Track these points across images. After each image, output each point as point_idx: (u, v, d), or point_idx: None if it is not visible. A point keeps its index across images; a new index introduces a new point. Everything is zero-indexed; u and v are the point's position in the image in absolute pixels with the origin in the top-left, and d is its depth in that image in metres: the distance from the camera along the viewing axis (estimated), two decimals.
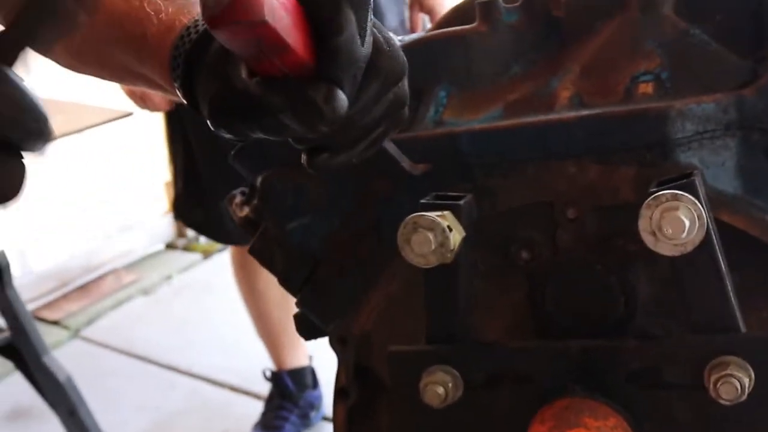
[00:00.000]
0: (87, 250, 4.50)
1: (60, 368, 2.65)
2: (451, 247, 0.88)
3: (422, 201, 0.92)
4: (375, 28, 0.75)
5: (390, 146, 0.95)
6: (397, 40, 0.82)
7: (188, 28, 0.82)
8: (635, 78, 0.98)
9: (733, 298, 0.85)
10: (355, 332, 1.10)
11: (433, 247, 0.88)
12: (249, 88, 0.72)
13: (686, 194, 0.80)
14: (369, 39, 0.73)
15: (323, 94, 0.70)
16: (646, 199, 0.81)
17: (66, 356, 3.65)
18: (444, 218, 0.89)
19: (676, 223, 0.79)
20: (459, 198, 0.93)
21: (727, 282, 0.84)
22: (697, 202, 0.80)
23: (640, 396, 0.88)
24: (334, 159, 0.81)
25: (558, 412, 0.87)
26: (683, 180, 0.83)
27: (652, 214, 0.81)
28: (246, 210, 1.19)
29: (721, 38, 0.96)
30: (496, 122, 1.01)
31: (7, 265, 2.54)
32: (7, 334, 2.64)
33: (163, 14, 0.84)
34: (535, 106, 1.02)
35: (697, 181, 0.83)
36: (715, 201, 0.92)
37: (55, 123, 0.63)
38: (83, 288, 4.38)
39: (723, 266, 0.84)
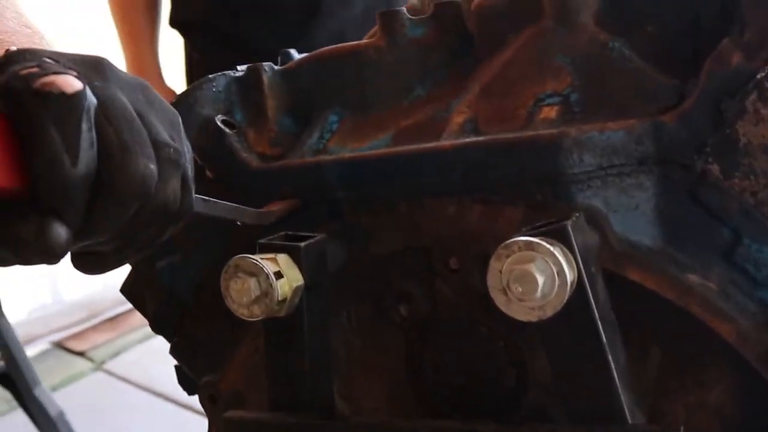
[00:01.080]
0: (119, 282, 4.43)
1: (52, 402, 2.56)
2: (279, 298, 0.72)
3: (260, 241, 0.76)
4: (112, 127, 0.60)
5: (221, 208, 0.79)
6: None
7: None
8: (540, 100, 0.80)
9: (618, 378, 0.66)
10: (224, 390, 0.94)
11: (253, 296, 0.71)
12: None
13: (544, 243, 0.62)
14: (88, 153, 0.58)
15: (34, 228, 0.57)
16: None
17: (86, 388, 3.60)
18: (273, 263, 0.73)
19: (528, 279, 0.61)
20: (305, 239, 0.76)
21: (610, 356, 0.65)
22: (559, 253, 0.62)
23: None
24: (103, 263, 0.68)
25: None
26: (551, 225, 0.65)
27: (501, 267, 0.63)
28: None
29: (647, 53, 0.78)
30: (373, 151, 0.84)
31: None
32: (1, 363, 2.56)
33: None
34: (425, 133, 0.85)
35: (572, 225, 0.64)
36: (621, 254, 0.73)
37: None
38: (112, 320, 4.32)
39: (603, 336, 0.65)
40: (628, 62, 0.78)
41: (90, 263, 0.68)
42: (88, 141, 0.58)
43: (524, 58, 0.83)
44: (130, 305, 3.16)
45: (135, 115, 0.64)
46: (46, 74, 0.58)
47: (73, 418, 2.67)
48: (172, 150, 0.66)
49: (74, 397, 3.34)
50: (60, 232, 0.58)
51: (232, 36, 2.06)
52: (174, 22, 2.26)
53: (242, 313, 0.73)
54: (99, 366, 3.92)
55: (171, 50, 2.44)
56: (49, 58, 0.62)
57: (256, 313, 0.72)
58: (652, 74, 0.77)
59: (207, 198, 0.76)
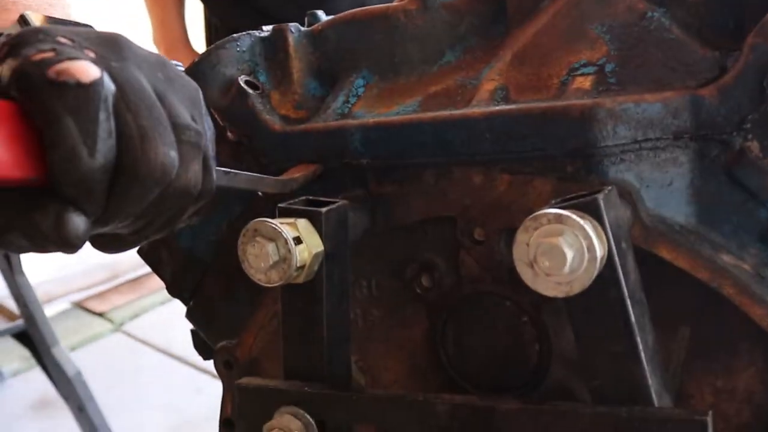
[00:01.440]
0: None
1: (69, 362, 2.57)
2: (298, 264, 0.70)
3: (279, 205, 0.74)
4: (131, 114, 0.58)
5: (241, 179, 0.77)
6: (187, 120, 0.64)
7: None
8: (574, 69, 0.77)
9: (646, 360, 0.63)
10: (241, 357, 0.92)
11: (271, 261, 0.69)
12: None
13: (574, 216, 0.59)
14: (106, 143, 0.56)
15: (52, 219, 0.56)
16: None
17: (105, 349, 3.62)
18: (293, 227, 0.71)
19: (556, 254, 0.59)
20: (326, 204, 0.74)
21: (638, 337, 0.63)
22: (589, 227, 0.59)
23: None
24: (121, 244, 0.67)
25: None
26: (582, 197, 0.63)
27: (529, 240, 0.61)
28: None
29: (687, 24, 0.75)
30: (400, 117, 0.81)
31: None
32: (21, 321, 2.57)
33: None
34: (454, 100, 0.83)
35: (603, 199, 0.62)
36: (653, 231, 0.70)
37: None
38: (132, 282, 4.34)
39: (632, 315, 0.62)
40: (666, 33, 0.75)
41: (109, 244, 0.67)
42: (106, 130, 0.56)
43: (559, 26, 0.80)
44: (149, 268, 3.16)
45: (155, 97, 0.61)
46: (61, 60, 0.55)
47: (91, 378, 2.69)
48: (193, 133, 0.64)
49: (92, 357, 3.37)
50: (78, 222, 0.57)
51: (252, 4, 2.03)
52: None
53: (259, 278, 0.71)
54: (118, 327, 3.95)
55: (190, 15, 2.42)
56: (64, 37, 0.59)
57: (274, 279, 0.70)
58: (692, 46, 0.74)
59: (228, 170, 0.74)
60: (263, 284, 0.71)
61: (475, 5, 0.86)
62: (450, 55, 0.88)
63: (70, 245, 0.58)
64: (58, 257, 4.15)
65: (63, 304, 4.12)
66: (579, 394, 0.75)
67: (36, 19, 0.71)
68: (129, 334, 3.90)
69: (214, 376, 3.34)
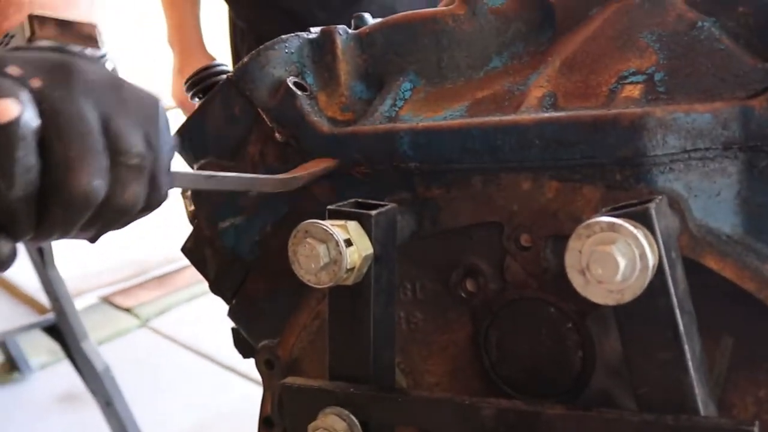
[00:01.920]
0: (168, 242, 4.47)
1: (98, 356, 2.59)
2: (348, 266, 0.71)
3: (330, 207, 0.75)
4: (62, 143, 0.62)
5: (230, 181, 0.78)
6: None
7: None
8: (623, 78, 0.78)
9: (693, 369, 0.64)
10: (282, 356, 0.93)
11: (322, 263, 0.70)
12: None
13: (627, 225, 0.60)
14: (25, 177, 0.60)
15: None
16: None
17: (131, 344, 3.65)
18: (344, 230, 0.72)
19: (609, 262, 0.60)
20: (375, 207, 0.75)
21: (686, 346, 0.63)
22: (641, 236, 0.60)
23: None
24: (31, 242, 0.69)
25: None
26: (633, 206, 0.63)
27: (582, 247, 0.61)
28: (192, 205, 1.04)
29: (737, 35, 0.75)
30: (448, 122, 0.82)
31: (49, 245, 2.49)
32: (51, 315, 2.60)
33: None
34: (501, 106, 0.83)
35: (655, 209, 0.62)
36: (701, 241, 0.71)
37: None
38: (160, 279, 4.36)
39: (680, 325, 0.63)
40: (717, 43, 0.75)
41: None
42: (24, 165, 0.60)
43: (608, 33, 0.80)
44: (177, 265, 3.20)
45: (93, 125, 0.64)
46: None
47: (117, 372, 2.71)
48: (134, 155, 0.66)
49: (118, 352, 3.39)
50: (2, 249, 0.62)
51: (280, 7, 2.04)
52: None
53: (309, 279, 0.72)
54: (144, 323, 3.97)
55: (212, 18, 2.44)
56: (15, 65, 0.63)
57: (324, 280, 0.71)
58: (742, 57, 0.74)
59: (212, 173, 0.76)
60: (313, 285, 0.72)
61: (522, 12, 0.87)
62: (497, 60, 0.88)
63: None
64: (85, 251, 4.18)
65: (90, 299, 4.16)
66: (621, 402, 0.76)
67: (39, 22, 0.74)
68: (155, 330, 3.93)
69: (239, 374, 3.36)
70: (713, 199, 0.72)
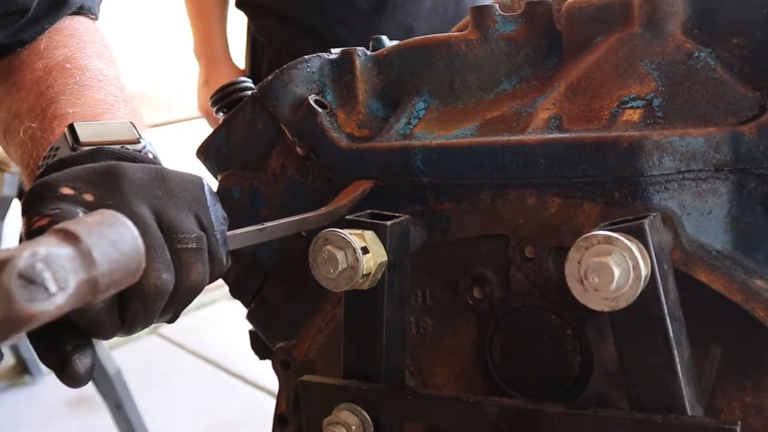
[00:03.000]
0: None
1: (110, 360, 2.64)
2: (364, 272, 0.76)
3: (347, 217, 0.81)
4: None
5: (283, 227, 0.85)
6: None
7: (38, 167, 0.81)
8: (624, 102, 0.84)
9: (682, 372, 0.69)
10: (298, 357, 0.99)
11: (340, 268, 0.76)
12: None
13: (622, 238, 0.66)
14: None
15: (59, 362, 0.68)
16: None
17: (140, 351, 3.70)
18: (361, 238, 0.77)
19: (605, 271, 0.65)
20: (390, 218, 0.81)
21: (675, 351, 0.69)
22: (635, 249, 0.65)
23: None
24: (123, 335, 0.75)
25: None
26: (629, 222, 0.69)
27: (580, 258, 0.67)
28: None
29: (731, 64, 0.81)
30: (459, 140, 0.88)
31: None
32: None
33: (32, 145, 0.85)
34: (510, 126, 0.89)
35: (648, 224, 0.68)
36: (692, 255, 0.77)
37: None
38: None
39: (670, 331, 0.69)
40: (711, 72, 0.81)
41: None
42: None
43: (611, 61, 0.86)
44: None
45: (150, 222, 0.70)
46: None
47: (126, 378, 2.76)
48: (192, 238, 0.72)
49: (128, 358, 3.43)
50: (81, 366, 0.68)
51: (300, 24, 2.10)
52: (241, 4, 2.30)
53: (327, 283, 0.77)
54: (154, 330, 4.02)
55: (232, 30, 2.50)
56: (67, 186, 0.69)
57: (341, 285, 0.77)
58: (735, 85, 0.80)
59: (263, 225, 0.82)
60: (331, 289, 0.78)
61: (531, 38, 0.93)
62: (506, 83, 0.94)
63: (73, 383, 0.69)
64: None
65: None
66: (616, 404, 0.81)
67: (81, 129, 0.80)
68: (165, 337, 3.98)
69: (247, 381, 3.41)
70: (705, 217, 0.78)
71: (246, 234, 0.78)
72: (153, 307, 0.69)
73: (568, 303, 0.81)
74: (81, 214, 0.66)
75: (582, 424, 0.71)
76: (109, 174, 0.72)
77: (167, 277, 0.69)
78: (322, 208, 0.88)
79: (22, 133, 0.85)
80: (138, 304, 0.68)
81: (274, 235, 0.83)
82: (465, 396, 0.77)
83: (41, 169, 0.79)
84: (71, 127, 0.79)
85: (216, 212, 0.76)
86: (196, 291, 0.73)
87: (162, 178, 0.74)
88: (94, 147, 0.78)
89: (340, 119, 0.97)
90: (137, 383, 2.92)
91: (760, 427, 0.77)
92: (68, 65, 0.91)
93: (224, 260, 0.76)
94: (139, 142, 0.81)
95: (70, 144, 0.78)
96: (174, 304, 0.72)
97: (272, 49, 2.22)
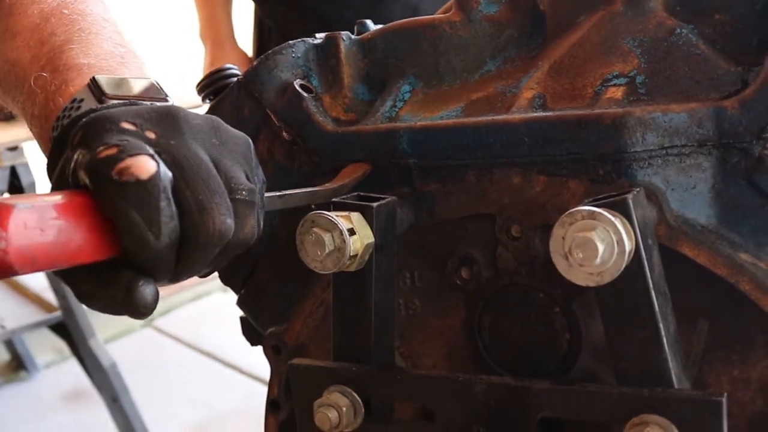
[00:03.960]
0: None
1: (105, 353, 2.65)
2: (351, 253, 0.77)
3: (334, 200, 0.81)
4: (190, 191, 0.66)
5: (296, 198, 0.85)
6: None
7: (58, 118, 0.79)
8: (607, 80, 0.84)
9: (668, 346, 0.70)
10: (289, 342, 0.99)
11: (327, 250, 0.76)
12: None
13: (606, 213, 0.66)
14: (169, 226, 0.64)
15: (123, 291, 0.64)
16: None
17: (136, 343, 3.70)
18: (347, 220, 0.78)
19: (589, 246, 0.66)
20: (377, 200, 0.81)
21: (661, 325, 0.69)
22: (619, 224, 0.66)
23: None
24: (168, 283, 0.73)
25: None
26: (613, 197, 0.69)
27: (564, 234, 0.67)
28: None
29: (713, 40, 0.81)
30: (444, 121, 0.88)
31: None
32: (59, 313, 2.66)
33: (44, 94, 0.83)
34: (494, 106, 0.89)
35: (632, 199, 0.68)
36: (677, 230, 0.77)
37: None
38: None
39: (656, 305, 0.69)
40: (694, 48, 0.81)
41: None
42: (168, 214, 0.64)
43: (594, 39, 0.86)
44: None
45: (211, 166, 0.69)
46: (122, 159, 0.63)
47: (122, 371, 2.77)
48: (247, 191, 0.71)
49: (124, 351, 3.45)
50: (146, 293, 0.65)
51: (307, 7, 2.10)
52: None
53: (315, 266, 0.78)
54: (149, 322, 4.03)
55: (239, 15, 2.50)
56: (127, 122, 0.68)
57: (329, 267, 0.77)
58: (717, 61, 0.80)
59: (283, 193, 0.82)
60: (318, 271, 0.78)
61: (515, 19, 0.93)
62: (491, 64, 0.94)
63: (138, 313, 0.66)
64: None
65: None
66: (605, 380, 0.82)
67: (106, 82, 0.79)
68: (159, 330, 3.98)
69: (241, 372, 3.42)
70: (689, 192, 0.78)
71: (268, 199, 0.78)
72: (209, 255, 0.68)
73: (555, 281, 0.82)
74: (150, 151, 0.65)
75: (570, 399, 0.72)
76: (169, 115, 0.71)
77: (231, 223, 0.68)
78: (327, 185, 0.88)
79: (32, 83, 0.82)
80: (198, 247, 0.66)
81: (288, 204, 0.83)
82: (454, 375, 0.77)
83: (66, 119, 0.77)
84: (94, 80, 0.78)
85: (259, 174, 0.76)
86: (246, 244, 0.72)
87: (217, 128, 0.74)
88: (126, 101, 0.76)
89: (325, 103, 0.97)
90: (133, 376, 2.93)
91: (748, 400, 0.78)
92: (65, 11, 0.89)
93: (261, 221, 0.75)
94: (167, 101, 0.80)
95: (97, 96, 0.77)
96: (222, 255, 0.71)
97: (279, 34, 2.22)
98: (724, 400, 0.67)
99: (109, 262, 0.63)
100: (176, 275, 0.68)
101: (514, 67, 0.93)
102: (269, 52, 0.98)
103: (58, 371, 3.58)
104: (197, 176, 0.67)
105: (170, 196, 0.64)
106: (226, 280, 1.06)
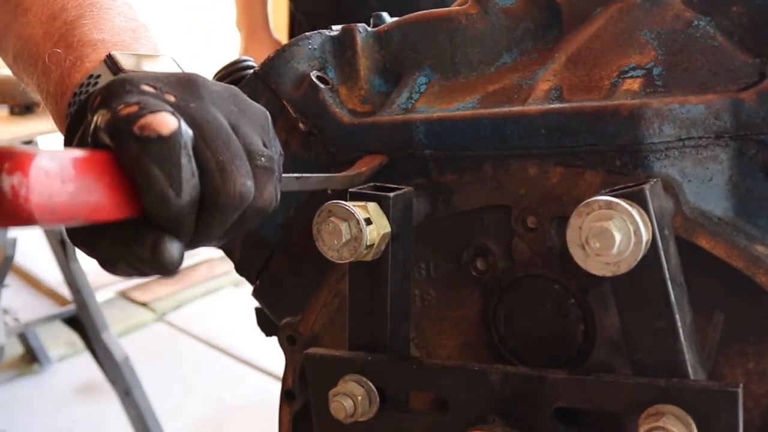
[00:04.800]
0: None
1: (118, 347, 2.66)
2: (368, 243, 0.77)
3: (351, 190, 0.82)
4: (210, 151, 0.66)
5: (312, 181, 0.85)
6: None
7: (74, 94, 0.79)
8: (624, 72, 0.84)
9: (684, 337, 0.70)
10: (304, 332, 0.99)
11: (344, 239, 0.77)
12: (85, 232, 0.66)
13: (623, 203, 0.66)
14: (190, 183, 0.64)
15: (149, 249, 0.64)
16: None
17: (147, 338, 3.72)
18: (364, 210, 0.78)
19: (606, 236, 0.66)
20: (393, 190, 0.81)
21: (677, 316, 0.69)
22: (636, 214, 0.66)
23: None
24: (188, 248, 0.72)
25: None
26: (630, 188, 0.69)
27: (581, 224, 0.67)
28: None
29: (730, 32, 0.81)
30: (461, 112, 0.88)
31: None
32: (72, 306, 2.67)
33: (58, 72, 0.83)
34: (511, 98, 0.89)
35: (649, 190, 0.68)
36: (693, 222, 0.77)
37: None
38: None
39: (672, 295, 0.69)
40: (711, 40, 0.81)
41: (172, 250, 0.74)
42: (189, 171, 0.64)
43: (611, 31, 0.86)
44: (193, 261, 3.27)
45: (231, 130, 0.69)
46: (144, 115, 0.63)
47: (134, 365, 2.78)
48: (266, 158, 0.71)
49: (136, 345, 3.45)
50: (172, 249, 0.65)
51: (336, 0, 2.12)
52: None
53: (332, 255, 0.78)
54: (161, 317, 4.04)
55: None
56: (148, 84, 0.68)
57: (345, 256, 0.78)
58: (734, 53, 0.80)
59: (299, 175, 0.82)
60: (335, 260, 0.78)
61: (531, 11, 0.93)
62: (507, 56, 0.94)
63: (166, 270, 0.66)
64: None
65: (108, 294, 4.23)
66: (619, 372, 0.82)
67: (122, 58, 0.79)
68: (171, 324, 4.00)
69: (254, 367, 3.42)
70: (706, 183, 0.78)
71: (285, 179, 0.78)
72: (228, 218, 0.68)
73: (571, 272, 0.82)
74: (170, 108, 0.65)
75: (586, 389, 0.72)
76: (188, 80, 0.71)
77: (251, 185, 0.68)
78: (344, 172, 0.88)
79: (46, 59, 0.83)
80: (219, 209, 0.66)
81: (305, 187, 0.83)
82: (469, 364, 0.77)
83: (83, 95, 0.77)
84: (111, 56, 0.78)
85: (276, 145, 0.75)
86: (264, 212, 0.72)
87: (235, 96, 0.73)
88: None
89: (342, 95, 0.97)
90: (145, 370, 2.94)
91: (763, 393, 0.78)
92: None
93: (279, 191, 0.74)
94: None
95: (114, 72, 0.77)
96: (240, 223, 0.70)
97: (308, 25, 2.24)
98: (740, 390, 0.67)
99: (130, 223, 0.63)
100: (195, 239, 0.68)
101: (530, 59, 0.93)
102: (286, 44, 0.98)
103: (71, 364, 3.60)
104: (218, 137, 0.67)
105: (191, 153, 0.64)
106: (242, 271, 1.06)
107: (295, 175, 0.81)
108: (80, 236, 0.66)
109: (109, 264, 0.66)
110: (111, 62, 0.77)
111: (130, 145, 0.62)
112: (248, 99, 0.75)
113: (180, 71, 0.72)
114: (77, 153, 0.60)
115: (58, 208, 0.56)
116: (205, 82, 0.72)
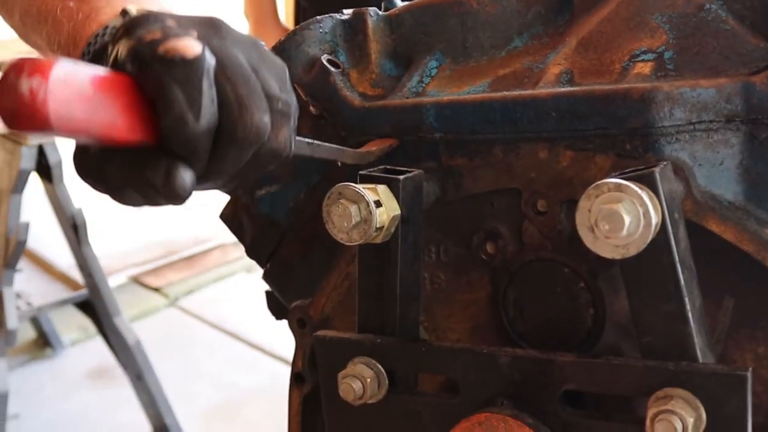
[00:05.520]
0: (196, 223, 4.56)
1: (130, 331, 2.67)
2: (377, 225, 0.77)
3: (361, 173, 0.82)
4: (230, 84, 0.66)
5: (324, 149, 0.85)
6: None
7: (89, 44, 0.79)
8: (635, 56, 0.84)
9: (693, 320, 0.70)
10: (314, 315, 1.00)
11: (353, 221, 0.77)
12: (95, 157, 0.66)
13: (633, 186, 0.66)
14: (209, 110, 0.64)
15: (162, 174, 0.64)
16: None
17: (159, 323, 3.74)
18: (374, 192, 0.78)
19: (615, 218, 0.66)
20: (403, 173, 0.81)
21: (686, 299, 0.69)
22: (646, 196, 0.66)
23: (571, 421, 0.74)
24: (199, 184, 0.71)
25: (470, 427, 0.74)
26: (640, 170, 0.69)
27: (591, 206, 0.67)
28: None
29: (742, 17, 0.81)
30: (471, 95, 0.88)
31: (84, 223, 2.57)
32: (85, 291, 2.68)
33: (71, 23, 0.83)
34: (521, 82, 0.89)
35: (659, 173, 0.68)
36: (703, 206, 0.77)
37: None
38: (189, 259, 4.46)
39: (681, 279, 0.69)
40: (722, 24, 0.81)
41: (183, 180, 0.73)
42: (209, 98, 0.64)
43: (622, 15, 0.86)
44: (205, 246, 3.28)
45: (250, 70, 0.69)
46: (168, 39, 0.64)
47: (146, 350, 2.79)
48: (282, 102, 0.71)
49: (148, 330, 3.48)
50: (185, 176, 0.65)
51: None
52: None
53: (342, 237, 0.78)
54: (173, 302, 4.06)
55: None
56: (171, 19, 0.68)
57: (355, 238, 0.78)
58: (746, 37, 0.80)
59: (311, 140, 0.82)
60: (345, 243, 0.79)
61: None
62: (518, 40, 0.94)
63: (178, 197, 0.66)
64: (115, 231, 4.28)
65: (120, 279, 4.25)
66: (628, 356, 0.82)
67: (138, 13, 0.79)
68: (183, 309, 4.01)
69: (266, 352, 3.44)
70: (716, 167, 0.78)
71: (298, 141, 0.78)
72: (243, 153, 0.68)
73: (580, 256, 0.82)
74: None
75: (594, 372, 0.72)
76: (210, 22, 0.71)
77: (267, 121, 0.69)
78: (358, 149, 0.89)
79: (58, 12, 0.83)
80: (235, 142, 0.67)
81: (316, 154, 0.83)
82: (479, 347, 0.78)
83: (96, 45, 0.77)
84: (125, 11, 0.78)
85: (293, 97, 0.75)
86: (277, 156, 0.72)
87: (255, 44, 0.74)
88: None
89: (352, 79, 0.98)
90: (157, 355, 2.96)
91: None
92: None
93: (294, 140, 0.75)
94: None
95: None
96: (252, 164, 0.71)
97: (313, 13, 2.24)
98: (749, 374, 0.67)
99: (143, 150, 0.64)
100: (208, 172, 0.68)
101: (541, 43, 0.93)
102: (297, 27, 0.98)
103: (83, 349, 3.62)
104: (238, 72, 0.67)
105: (212, 81, 0.65)
106: (252, 254, 1.06)
107: (307, 139, 0.81)
108: (89, 161, 0.66)
109: (117, 190, 0.66)
110: (125, 16, 0.78)
111: (153, 66, 0.63)
112: (268, 51, 0.76)
113: (203, 15, 0.73)
114: (98, 70, 0.61)
115: (75, 117, 0.56)
116: (227, 26, 0.72)
